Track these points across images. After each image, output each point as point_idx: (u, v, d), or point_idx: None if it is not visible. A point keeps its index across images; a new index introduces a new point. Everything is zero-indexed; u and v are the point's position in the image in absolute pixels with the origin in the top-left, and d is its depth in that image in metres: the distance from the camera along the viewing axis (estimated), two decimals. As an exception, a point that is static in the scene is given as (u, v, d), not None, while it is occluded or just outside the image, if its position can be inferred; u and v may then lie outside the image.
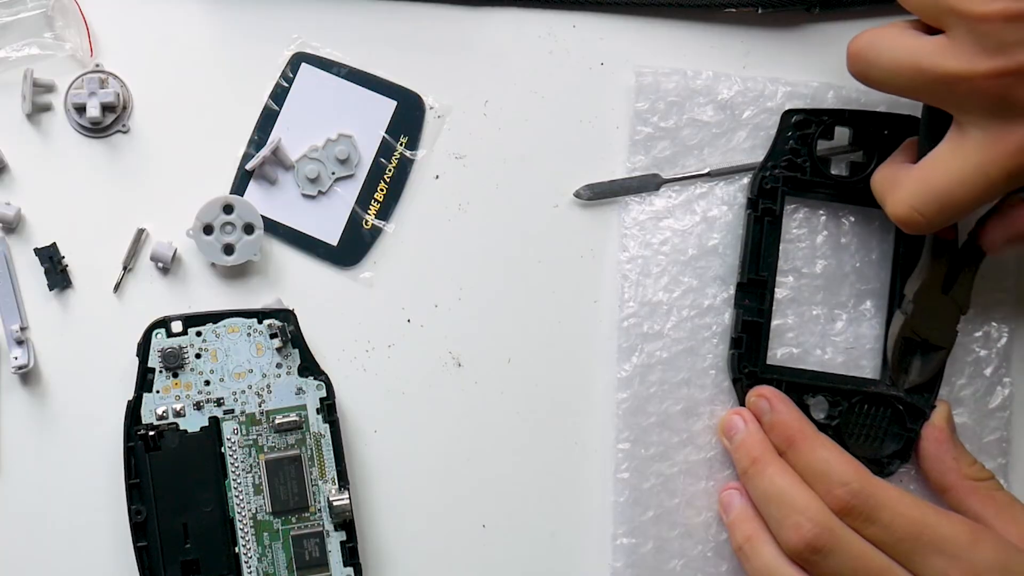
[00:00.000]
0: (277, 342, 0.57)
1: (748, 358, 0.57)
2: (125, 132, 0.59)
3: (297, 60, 0.60)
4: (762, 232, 0.58)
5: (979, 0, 0.48)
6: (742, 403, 0.58)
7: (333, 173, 0.60)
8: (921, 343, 0.56)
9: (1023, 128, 0.49)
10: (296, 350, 0.57)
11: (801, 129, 0.58)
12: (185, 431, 0.57)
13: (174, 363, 0.57)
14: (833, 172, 0.58)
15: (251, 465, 0.57)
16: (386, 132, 0.60)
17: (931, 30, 0.51)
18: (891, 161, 0.56)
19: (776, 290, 0.59)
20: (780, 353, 0.59)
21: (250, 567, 0.56)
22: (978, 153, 0.50)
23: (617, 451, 0.58)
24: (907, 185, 0.53)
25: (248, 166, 0.59)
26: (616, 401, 0.59)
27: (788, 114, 0.58)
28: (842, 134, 0.58)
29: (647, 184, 0.59)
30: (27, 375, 0.58)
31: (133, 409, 0.56)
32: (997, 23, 0.48)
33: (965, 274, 0.56)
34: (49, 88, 0.59)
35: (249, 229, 0.58)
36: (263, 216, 0.58)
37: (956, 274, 0.56)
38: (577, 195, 0.60)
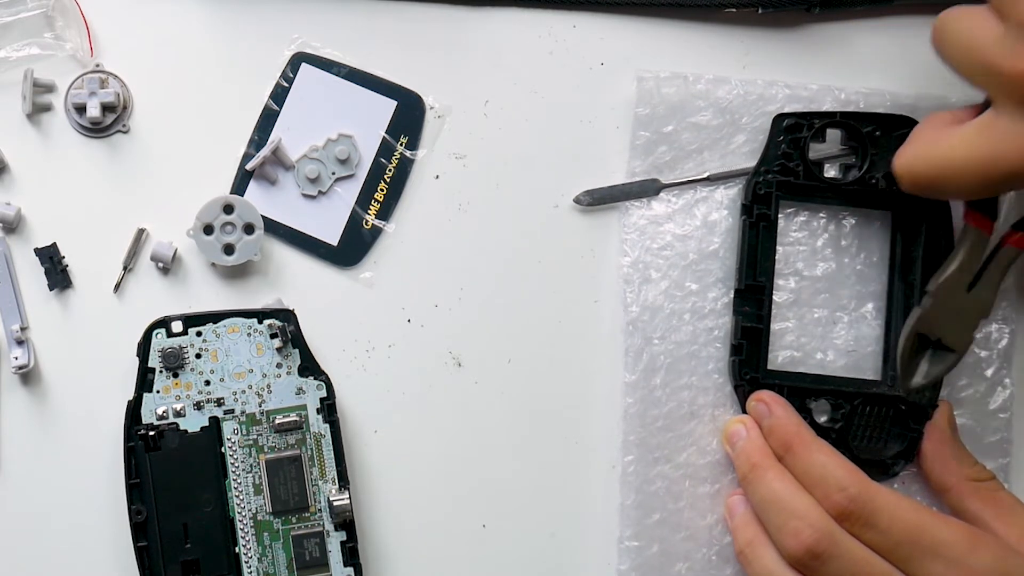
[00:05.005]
0: (277, 342, 0.57)
1: (749, 364, 0.57)
2: (125, 132, 0.59)
3: (297, 60, 0.60)
4: (758, 237, 0.58)
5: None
6: (744, 410, 0.57)
7: (333, 173, 0.59)
8: (934, 342, 0.55)
9: None
10: (296, 350, 0.57)
11: (793, 133, 0.58)
12: (185, 431, 0.57)
13: (174, 363, 0.57)
14: (827, 175, 0.58)
15: (251, 465, 0.57)
16: (386, 132, 0.60)
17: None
18: (951, 113, 0.54)
19: (777, 293, 0.59)
20: (781, 357, 0.59)
21: (250, 567, 0.56)
22: (995, 141, 0.50)
23: (624, 454, 0.58)
24: (919, 142, 0.53)
25: (248, 166, 0.59)
26: (623, 405, 0.59)
27: (779, 118, 0.58)
28: (834, 136, 0.58)
29: (647, 189, 0.59)
30: (27, 375, 0.58)
31: (133, 409, 0.56)
32: None
33: (993, 273, 0.54)
34: (49, 88, 0.59)
35: (249, 229, 0.58)
36: (263, 216, 0.58)
37: (984, 272, 0.54)
38: (577, 201, 0.59)
